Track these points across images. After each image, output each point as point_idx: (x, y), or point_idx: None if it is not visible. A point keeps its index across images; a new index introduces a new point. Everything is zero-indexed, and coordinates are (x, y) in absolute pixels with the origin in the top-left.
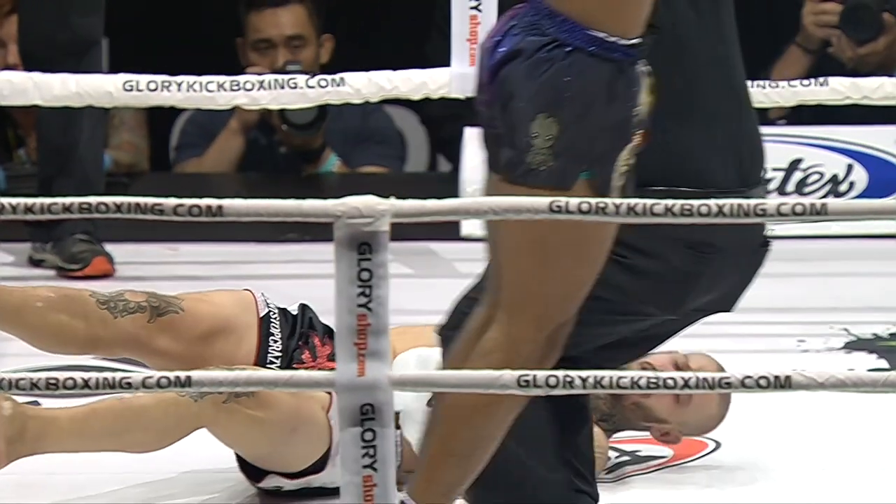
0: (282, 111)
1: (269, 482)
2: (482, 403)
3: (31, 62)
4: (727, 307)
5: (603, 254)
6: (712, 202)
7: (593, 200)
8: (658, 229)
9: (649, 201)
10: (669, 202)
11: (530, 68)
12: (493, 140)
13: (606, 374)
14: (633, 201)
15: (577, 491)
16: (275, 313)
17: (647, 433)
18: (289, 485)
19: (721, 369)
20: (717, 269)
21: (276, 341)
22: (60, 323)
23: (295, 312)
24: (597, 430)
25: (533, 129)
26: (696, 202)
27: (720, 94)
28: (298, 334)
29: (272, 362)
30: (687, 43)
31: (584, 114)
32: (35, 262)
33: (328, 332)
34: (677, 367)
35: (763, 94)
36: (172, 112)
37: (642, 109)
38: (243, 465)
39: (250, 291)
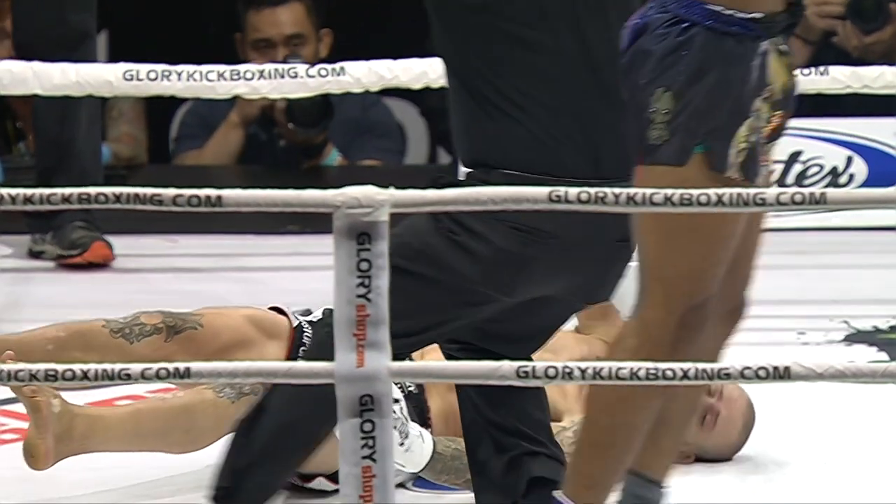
0: (288, 109)
1: (316, 484)
2: (619, 391)
3: (26, 56)
4: (594, 298)
5: (724, 232)
6: (711, 191)
7: (592, 190)
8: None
9: (649, 191)
10: (669, 191)
11: (651, 43)
12: (630, 120)
13: (605, 366)
14: (631, 191)
15: (530, 454)
16: (307, 327)
17: None
18: (332, 486)
19: (750, 404)
20: (558, 256)
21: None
22: (77, 361)
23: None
24: None
25: (652, 103)
26: (695, 191)
27: (579, 87)
28: None
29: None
30: (552, 35)
31: (700, 87)
32: (34, 254)
33: None
34: (709, 392)
35: None
36: (171, 104)
37: (773, 88)
38: None
39: (281, 309)
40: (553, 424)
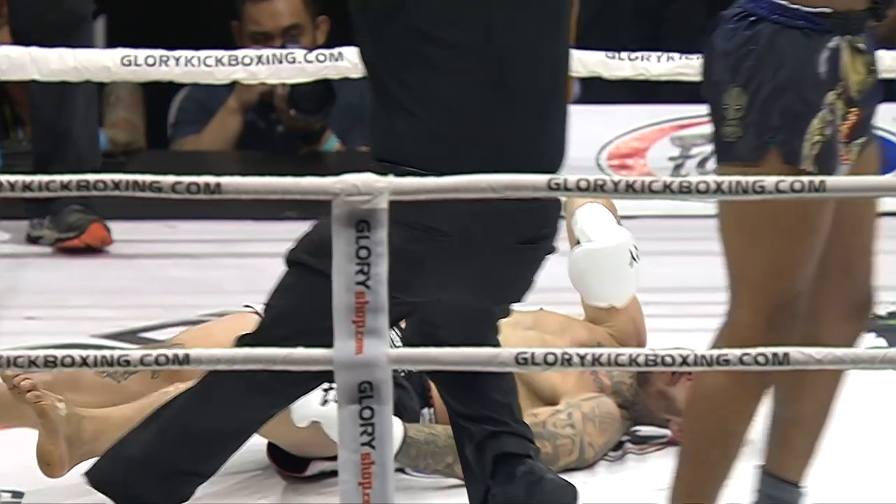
0: (290, 95)
1: (314, 468)
2: (712, 399)
3: (23, 41)
4: (499, 300)
5: (805, 226)
6: (710, 179)
7: (591, 177)
8: None
9: (648, 178)
10: (668, 179)
11: (720, 39)
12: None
13: (604, 352)
14: (631, 178)
15: (492, 436)
16: None
17: (667, 429)
18: (331, 465)
19: None
20: (455, 257)
21: None
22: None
23: None
24: (610, 402)
25: (725, 100)
26: (695, 179)
27: (485, 88)
28: None
29: None
30: (463, 35)
31: (768, 82)
32: (32, 240)
33: None
34: None
35: None
36: (169, 89)
37: (847, 84)
38: (283, 461)
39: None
40: (548, 408)
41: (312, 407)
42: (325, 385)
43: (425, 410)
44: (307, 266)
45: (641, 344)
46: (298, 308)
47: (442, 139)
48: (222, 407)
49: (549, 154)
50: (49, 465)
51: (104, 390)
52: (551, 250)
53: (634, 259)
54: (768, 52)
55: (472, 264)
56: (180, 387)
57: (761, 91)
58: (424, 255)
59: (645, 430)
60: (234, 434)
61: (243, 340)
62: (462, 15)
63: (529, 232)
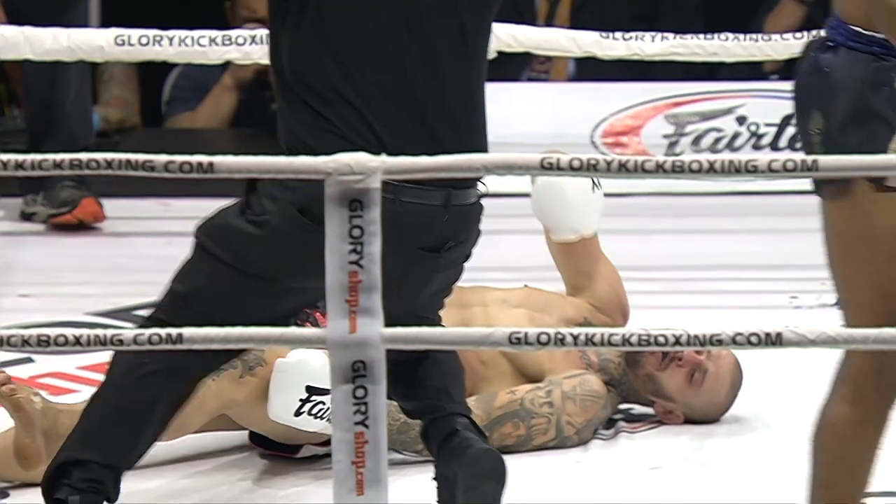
0: None
1: (306, 452)
2: (834, 428)
3: (16, 20)
4: (393, 301)
5: None
6: (703, 157)
7: (584, 157)
8: (270, 189)
9: (640, 158)
10: (661, 158)
11: (805, 65)
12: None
13: (598, 331)
14: (624, 158)
15: (431, 422)
16: None
17: (651, 408)
18: (323, 450)
19: (737, 364)
20: None
21: None
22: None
23: None
24: (595, 379)
25: (810, 125)
26: (688, 158)
27: (392, 87)
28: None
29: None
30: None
31: (843, 105)
32: (26, 216)
33: None
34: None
35: (756, 47)
36: (164, 67)
37: None
38: (275, 444)
39: None
40: (529, 385)
41: (286, 415)
42: (303, 396)
43: None
44: (207, 250)
45: (625, 312)
46: (197, 292)
47: (346, 136)
48: (120, 391)
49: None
50: (26, 459)
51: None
52: (457, 261)
53: (596, 184)
54: (844, 76)
55: (388, 264)
56: None
57: (838, 114)
58: (313, 242)
59: (639, 409)
60: (138, 421)
61: (144, 322)
62: (381, 13)
63: (435, 240)
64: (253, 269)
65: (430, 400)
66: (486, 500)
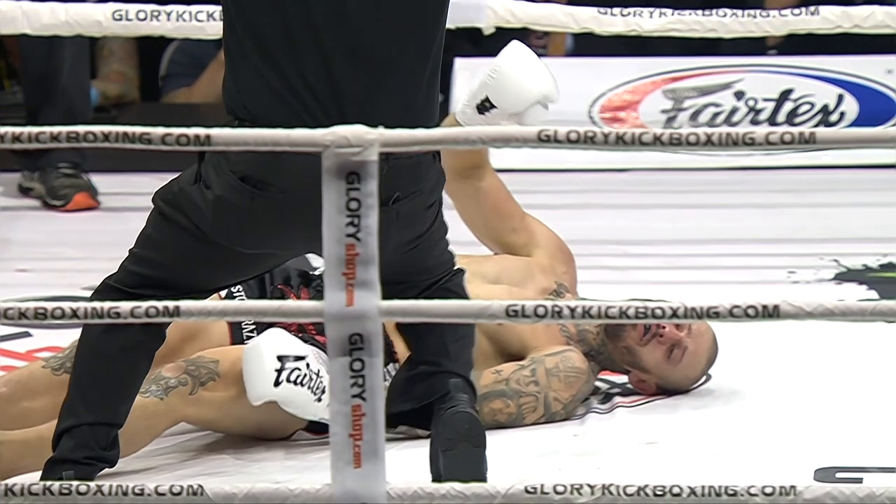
0: None
1: (298, 437)
2: None
3: None
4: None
5: None
6: (700, 130)
7: (581, 129)
8: (215, 158)
9: (638, 130)
10: (658, 131)
11: None
12: None
13: (594, 304)
14: (621, 130)
15: (430, 374)
16: (238, 290)
17: (626, 376)
18: (315, 438)
19: (714, 340)
20: (286, 210)
21: None
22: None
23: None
24: (577, 356)
25: None
26: (685, 131)
27: (327, 45)
28: (269, 296)
29: (249, 336)
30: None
31: None
32: (24, 191)
33: (304, 279)
34: (677, 326)
35: (754, 23)
36: (163, 41)
37: None
38: None
39: None
40: (513, 364)
41: (266, 388)
42: (277, 365)
43: (389, 366)
44: (165, 215)
45: (570, 254)
46: (154, 256)
47: (283, 96)
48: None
49: (382, 114)
50: None
51: (57, 390)
52: (416, 213)
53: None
54: None
55: (303, 219)
56: None
57: None
58: (256, 208)
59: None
60: (117, 374)
61: (104, 283)
62: None
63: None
64: (208, 236)
65: (432, 357)
66: (461, 459)
